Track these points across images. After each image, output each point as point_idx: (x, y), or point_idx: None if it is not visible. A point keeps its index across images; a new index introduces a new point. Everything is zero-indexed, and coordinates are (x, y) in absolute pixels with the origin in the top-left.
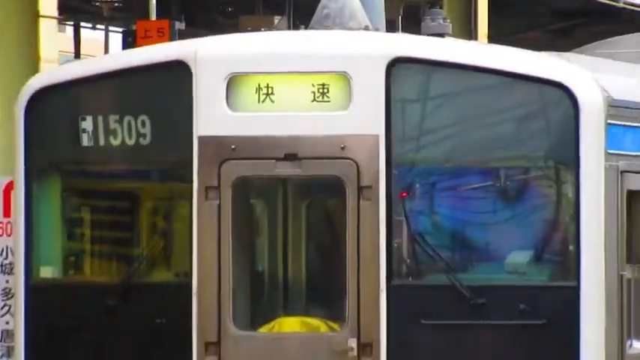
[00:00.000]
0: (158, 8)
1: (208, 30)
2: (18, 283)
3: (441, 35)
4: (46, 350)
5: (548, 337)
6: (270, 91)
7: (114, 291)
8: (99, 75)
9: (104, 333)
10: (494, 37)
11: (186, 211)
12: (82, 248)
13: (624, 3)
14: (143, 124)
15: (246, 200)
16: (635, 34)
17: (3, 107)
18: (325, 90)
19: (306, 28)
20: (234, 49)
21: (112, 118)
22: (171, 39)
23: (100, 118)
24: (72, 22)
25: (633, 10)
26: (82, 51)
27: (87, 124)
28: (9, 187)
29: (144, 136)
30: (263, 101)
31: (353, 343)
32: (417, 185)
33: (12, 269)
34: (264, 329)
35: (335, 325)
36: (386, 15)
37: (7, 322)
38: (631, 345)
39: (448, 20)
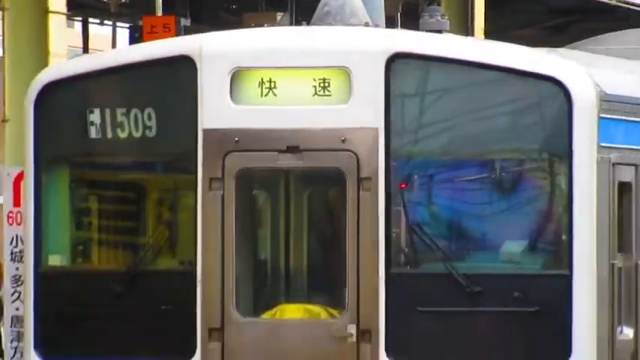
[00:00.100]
0: (164, 4)
1: (213, 26)
2: (27, 270)
3: (439, 31)
4: (55, 335)
5: (541, 323)
6: (272, 86)
7: (121, 278)
8: (106, 69)
9: (111, 319)
10: (490, 34)
11: (190, 202)
12: (90, 237)
13: (618, 1)
14: (149, 116)
15: (249, 191)
16: (627, 30)
17: (13, 100)
18: (326, 84)
19: (308, 24)
20: (237, 45)
21: (119, 111)
22: (177, 34)
23: (108, 111)
24: (80, 18)
25: (628, 9)
26: (90, 46)
27: (95, 116)
28: (19, 178)
29: (150, 128)
30: (266, 95)
31: (352, 329)
32: (415, 177)
33: (22, 257)
34: (266, 316)
35: (335, 312)
36: (385, 12)
37: (17, 309)
38: (621, 331)
39: (446, 17)
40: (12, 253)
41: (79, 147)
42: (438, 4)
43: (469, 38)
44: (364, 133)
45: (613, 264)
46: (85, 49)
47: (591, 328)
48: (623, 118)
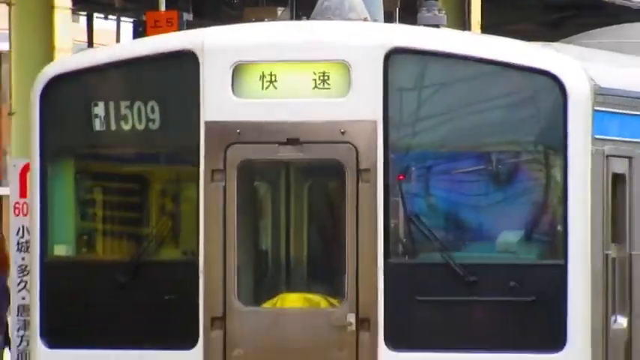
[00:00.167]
0: (167, 0)
1: (215, 20)
2: (33, 260)
3: (436, 26)
4: (60, 324)
5: (536, 312)
6: (273, 79)
7: (124, 268)
8: (111, 63)
9: (115, 308)
10: (487, 28)
11: (193, 193)
12: (95, 228)
13: None
14: (152, 109)
15: (251, 182)
16: (619, 25)
17: (20, 94)
18: (326, 78)
19: (308, 19)
20: (239, 39)
21: (123, 104)
22: (180, 29)
23: (112, 104)
24: (85, 13)
25: (621, 5)
26: (95, 40)
27: (99, 109)
28: (25, 170)
29: (153, 121)
30: (267, 88)
31: (352, 318)
32: (413, 169)
33: (28, 247)
34: (267, 305)
35: (335, 301)
36: (384, 7)
37: (24, 298)
38: (615, 320)
39: (443, 12)
40: (18, 244)
41: (84, 139)
42: None
43: (466, 33)
44: (363, 125)
45: (607, 254)
46: (90, 44)
47: (586, 317)
48: (617, 111)
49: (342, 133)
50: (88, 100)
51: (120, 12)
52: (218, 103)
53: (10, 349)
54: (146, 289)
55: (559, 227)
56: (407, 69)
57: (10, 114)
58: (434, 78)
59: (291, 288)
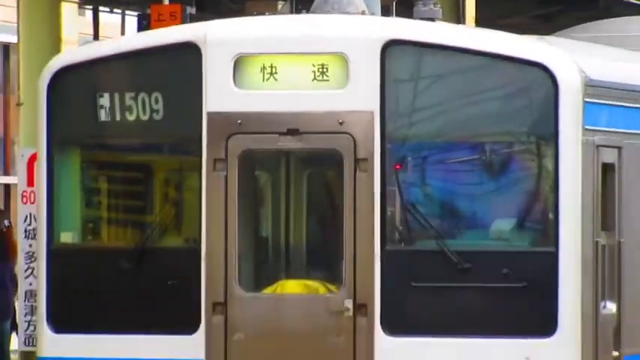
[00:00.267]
0: None
1: (217, 14)
2: (40, 247)
3: (432, 19)
4: (66, 309)
5: (528, 298)
6: (273, 71)
7: (129, 255)
8: (116, 55)
9: (119, 294)
10: (481, 21)
11: (195, 182)
12: (100, 215)
13: None
14: (156, 100)
15: (252, 171)
16: (609, 19)
17: (28, 85)
18: (325, 70)
19: (308, 12)
20: (240, 32)
21: (128, 95)
22: (183, 22)
23: (117, 95)
24: (91, 7)
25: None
26: (101, 33)
27: (104, 100)
28: (33, 159)
29: (157, 111)
30: (267, 80)
31: (349, 303)
32: (409, 158)
33: (35, 234)
34: (267, 291)
35: (333, 287)
36: (381, 1)
37: (31, 284)
38: (605, 306)
39: (438, 5)
40: (26, 231)
41: (90, 129)
42: None
43: (461, 26)
44: (361, 116)
45: (597, 242)
46: (96, 37)
47: (576, 302)
48: (607, 102)
49: (341, 123)
50: (93, 92)
51: (125, 6)
52: (220, 94)
53: (17, 333)
54: (150, 276)
55: (550, 215)
56: (403, 61)
57: (19, 105)
58: (429, 70)
59: (290, 274)
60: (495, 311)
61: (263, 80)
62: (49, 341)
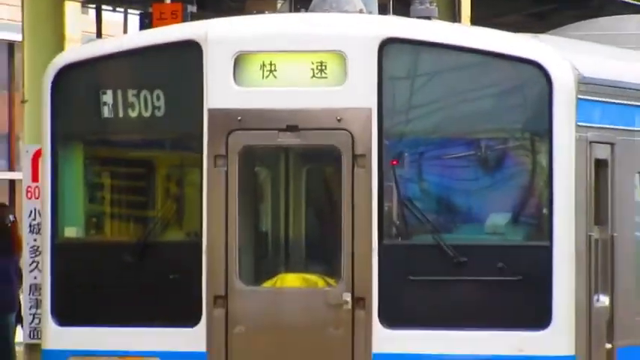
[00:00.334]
0: None
1: (217, 12)
2: (45, 241)
3: (428, 18)
4: (71, 303)
5: (523, 291)
6: (273, 68)
7: (131, 249)
8: (118, 53)
9: (122, 287)
10: (476, 20)
11: (196, 177)
12: (103, 210)
13: None
14: (158, 97)
15: (251, 167)
16: (602, 18)
17: (32, 83)
18: (323, 67)
19: (306, 11)
20: (240, 30)
21: (130, 92)
22: (184, 20)
23: (119, 92)
24: (94, 5)
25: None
26: (103, 32)
27: (107, 97)
28: (37, 155)
29: (159, 108)
30: (267, 77)
31: (347, 297)
32: (406, 154)
33: (40, 229)
34: (267, 284)
35: (331, 281)
36: None
37: (35, 277)
38: (598, 299)
39: (434, 4)
40: (30, 226)
41: (93, 126)
42: None
43: (456, 24)
44: (358, 113)
45: (590, 236)
46: (99, 35)
47: (570, 295)
48: (600, 99)
49: (339, 120)
50: (96, 89)
51: (127, 5)
52: (220, 91)
53: (22, 326)
54: (152, 269)
55: (545, 210)
56: (400, 59)
57: (23, 102)
58: (426, 67)
59: (289, 268)
60: (491, 304)
61: (263, 77)
62: (54, 334)
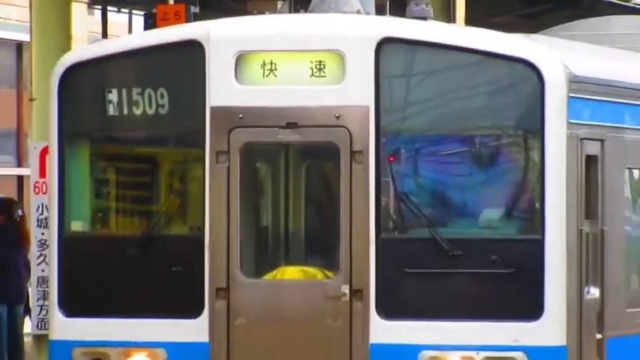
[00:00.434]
0: None
1: (219, 13)
2: (52, 235)
3: (424, 18)
4: (77, 295)
5: (516, 284)
6: (273, 67)
7: (136, 243)
8: (124, 52)
9: (127, 280)
10: (471, 20)
11: (199, 173)
12: (108, 205)
13: None
14: (162, 95)
15: (252, 163)
16: (592, 18)
17: (39, 81)
18: (322, 66)
19: (306, 12)
20: (242, 30)
21: (135, 91)
22: (187, 21)
23: (124, 91)
24: (100, 7)
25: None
26: (109, 32)
27: (113, 95)
28: (44, 152)
29: (162, 106)
30: (267, 76)
31: (346, 289)
32: (403, 151)
33: (47, 223)
34: (267, 277)
35: (330, 274)
36: (375, 0)
37: (43, 270)
38: (588, 291)
39: (430, 5)
40: (38, 220)
41: (99, 123)
42: None
43: (451, 24)
44: (356, 110)
45: (581, 230)
46: (104, 35)
47: (561, 288)
48: (590, 97)
49: (337, 117)
50: (102, 87)
51: (132, 5)
52: (222, 89)
53: (30, 317)
54: (156, 262)
55: (537, 205)
56: (397, 58)
57: (31, 100)
58: (422, 66)
59: (289, 261)
60: (485, 296)
61: (263, 76)
62: (61, 325)
